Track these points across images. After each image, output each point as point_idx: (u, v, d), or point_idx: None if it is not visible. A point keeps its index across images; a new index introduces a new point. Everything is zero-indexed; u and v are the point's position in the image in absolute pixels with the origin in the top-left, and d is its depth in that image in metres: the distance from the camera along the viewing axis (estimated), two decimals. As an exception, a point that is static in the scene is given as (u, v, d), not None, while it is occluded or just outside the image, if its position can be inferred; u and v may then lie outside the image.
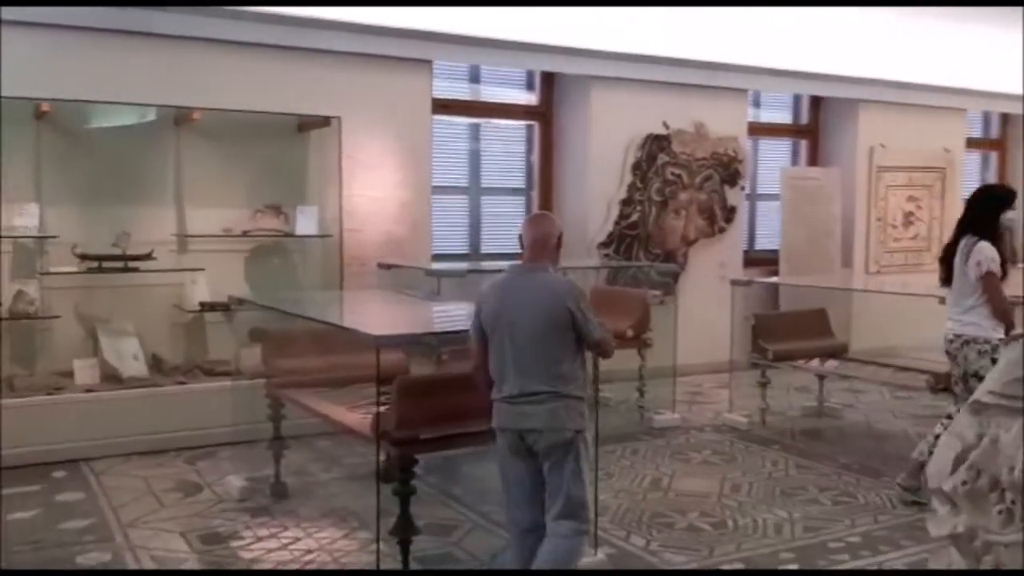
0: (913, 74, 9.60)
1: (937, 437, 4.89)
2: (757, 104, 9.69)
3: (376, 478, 3.73)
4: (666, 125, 8.54)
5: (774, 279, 8.80)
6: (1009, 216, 4.94)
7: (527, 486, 3.40)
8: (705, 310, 8.07)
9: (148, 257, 6.21)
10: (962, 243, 4.79)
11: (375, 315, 5.13)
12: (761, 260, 9.51)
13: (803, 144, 10.10)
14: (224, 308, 6.09)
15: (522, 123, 8.62)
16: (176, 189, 6.63)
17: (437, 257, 7.77)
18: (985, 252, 4.66)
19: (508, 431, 3.37)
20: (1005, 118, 11.37)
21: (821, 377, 7.03)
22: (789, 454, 5.93)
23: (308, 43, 6.83)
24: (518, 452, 3.37)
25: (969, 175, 10.99)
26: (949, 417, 4.93)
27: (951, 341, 4.81)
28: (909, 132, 9.97)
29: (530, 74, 8.58)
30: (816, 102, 10.04)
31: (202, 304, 6.45)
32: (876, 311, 8.59)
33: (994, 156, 11.46)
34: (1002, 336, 4.73)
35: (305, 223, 6.80)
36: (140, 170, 6.51)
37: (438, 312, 5.22)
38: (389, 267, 6.80)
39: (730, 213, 8.93)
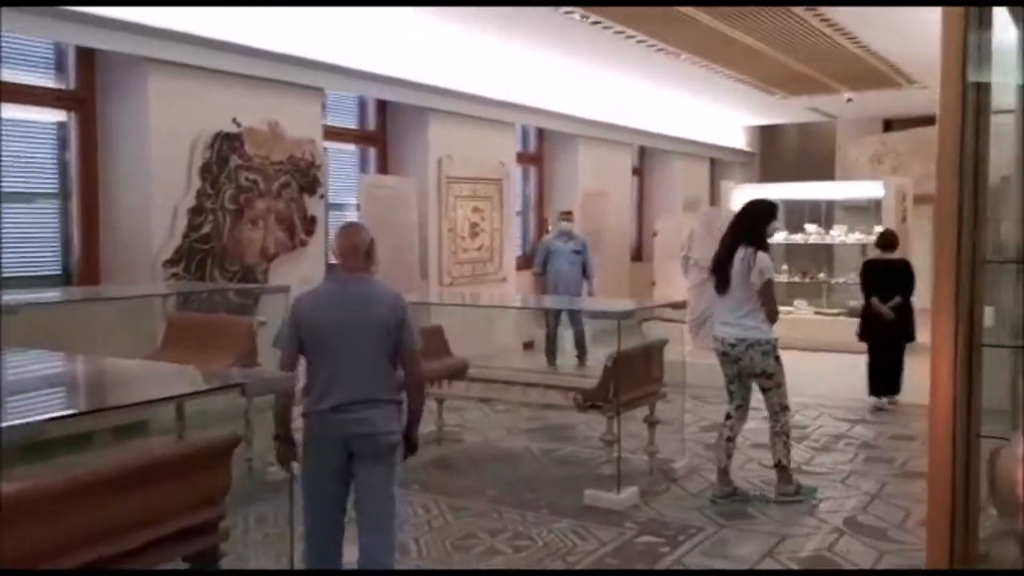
0: (474, 86, 9.67)
1: (729, 440, 5.18)
2: (322, 107, 8.93)
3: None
4: (237, 122, 7.38)
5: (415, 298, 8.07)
6: (774, 226, 5.22)
7: (337, 505, 3.43)
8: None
9: None
10: (740, 253, 4.98)
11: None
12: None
13: (372, 152, 9.59)
14: None
15: (53, 113, 6.80)
16: None
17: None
18: (766, 262, 4.96)
19: (330, 441, 3.37)
20: (542, 133, 12.10)
21: (440, 401, 6.51)
22: (435, 494, 5.28)
23: None
24: (333, 467, 3.38)
25: (517, 187, 11.48)
26: (729, 417, 5.21)
27: (733, 345, 5.01)
28: (471, 144, 10.03)
29: (60, 51, 6.80)
30: (383, 109, 9.60)
31: None
32: (453, 323, 8.37)
33: (533, 170, 12.12)
34: (776, 337, 5.09)
35: None
36: None
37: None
38: None
39: (311, 224, 8.06)
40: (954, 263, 3.73)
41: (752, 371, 5.06)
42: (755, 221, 5.11)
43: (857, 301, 10.62)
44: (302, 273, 7.84)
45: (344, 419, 3.34)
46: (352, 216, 9.19)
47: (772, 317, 5.03)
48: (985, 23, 3.01)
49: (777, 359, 5.08)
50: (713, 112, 14.17)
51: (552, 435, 6.77)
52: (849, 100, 12.56)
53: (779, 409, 5.12)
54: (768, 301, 4.98)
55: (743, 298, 4.97)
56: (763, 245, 5.02)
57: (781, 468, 5.16)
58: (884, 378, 7.81)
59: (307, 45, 7.75)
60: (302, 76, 7.90)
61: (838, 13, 8.17)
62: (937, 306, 3.80)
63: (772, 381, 5.08)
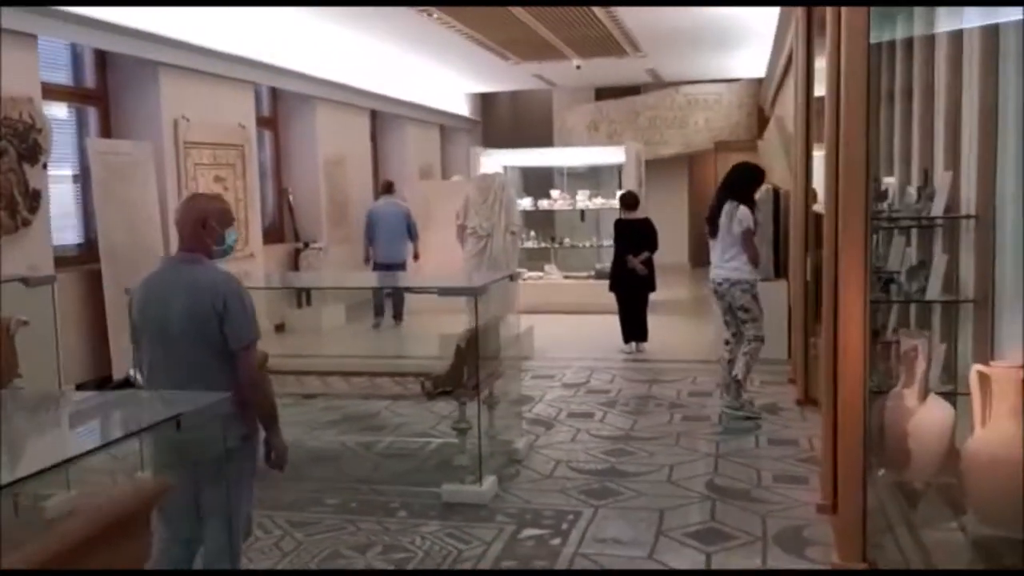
0: (207, 38, 8.56)
1: (730, 362, 5.92)
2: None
3: None
4: (-68, 74, 5.87)
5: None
6: (761, 190, 6.12)
7: (180, 497, 2.97)
8: (33, 332, 5.79)
9: None
10: (727, 207, 5.79)
11: None
12: (69, 259, 7.41)
13: (91, 112, 8.16)
14: None
15: None
16: None
17: None
18: (745, 214, 5.77)
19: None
20: (275, 94, 11.09)
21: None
22: (267, 510, 4.46)
23: None
24: (170, 462, 3.12)
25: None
26: (727, 343, 6.00)
27: (720, 284, 5.89)
28: (209, 105, 8.91)
29: None
30: (103, 62, 8.19)
31: None
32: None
33: (268, 135, 11.07)
34: (757, 278, 5.98)
35: None
36: None
37: None
38: None
39: (35, 199, 6.66)
40: (862, 226, 3.75)
41: (734, 304, 5.86)
42: (743, 181, 5.93)
43: (602, 264, 10.98)
44: (29, 257, 6.50)
45: None
46: (68, 188, 7.81)
47: (754, 261, 5.89)
48: None
49: (755, 297, 5.88)
50: (443, 77, 13.88)
51: (361, 426, 6.16)
52: (578, 67, 12.83)
53: (752, 338, 5.88)
54: (748, 248, 5.79)
55: (726, 245, 5.80)
56: (747, 201, 5.82)
57: (737, 383, 5.90)
58: (633, 326, 8.54)
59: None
60: (9, 20, 6.45)
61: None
62: (846, 267, 3.80)
63: (748, 315, 5.87)
